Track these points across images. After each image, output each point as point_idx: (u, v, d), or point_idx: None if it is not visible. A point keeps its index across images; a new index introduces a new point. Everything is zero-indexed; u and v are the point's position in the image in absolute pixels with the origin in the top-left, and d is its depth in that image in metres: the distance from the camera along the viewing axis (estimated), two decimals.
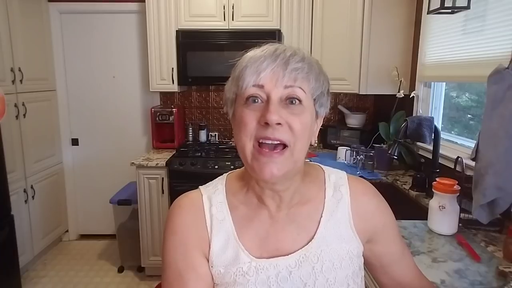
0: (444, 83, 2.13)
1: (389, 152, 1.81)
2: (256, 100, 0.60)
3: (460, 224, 1.36)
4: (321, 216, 0.69)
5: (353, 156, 2.40)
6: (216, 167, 2.51)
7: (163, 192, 2.57)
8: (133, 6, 3.04)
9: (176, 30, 2.69)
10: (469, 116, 1.95)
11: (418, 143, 2.15)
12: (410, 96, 2.27)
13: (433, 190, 1.36)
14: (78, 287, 2.65)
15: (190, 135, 3.10)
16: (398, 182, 2.04)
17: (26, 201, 2.75)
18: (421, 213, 1.57)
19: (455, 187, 1.32)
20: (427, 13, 1.82)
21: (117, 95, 3.22)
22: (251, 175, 0.67)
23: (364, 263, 0.74)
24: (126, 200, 2.71)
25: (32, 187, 2.81)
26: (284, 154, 0.60)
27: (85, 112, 3.25)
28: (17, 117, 2.64)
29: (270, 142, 0.59)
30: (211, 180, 0.76)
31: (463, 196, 1.37)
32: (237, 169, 0.76)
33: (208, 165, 2.52)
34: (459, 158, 1.45)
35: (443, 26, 1.99)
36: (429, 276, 1.01)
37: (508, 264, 1.13)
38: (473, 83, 1.87)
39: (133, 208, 2.71)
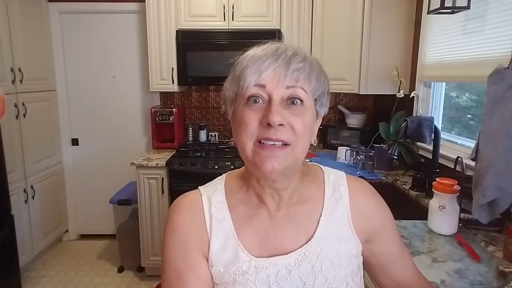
0: (444, 83, 2.13)
1: (389, 152, 1.81)
2: (258, 100, 0.60)
3: (460, 224, 1.36)
4: (320, 215, 0.69)
5: (353, 156, 2.40)
6: (216, 167, 2.51)
7: (163, 192, 2.57)
8: (133, 6, 3.04)
9: (176, 30, 2.69)
10: (469, 116, 1.95)
11: (418, 143, 2.15)
12: (410, 96, 2.27)
13: (433, 190, 1.36)
14: (78, 287, 2.65)
15: (190, 135, 3.10)
16: (398, 182, 2.04)
17: (26, 201, 2.75)
18: (421, 213, 1.57)
19: (455, 187, 1.32)
20: (427, 13, 1.82)
21: (117, 95, 3.22)
22: (251, 173, 0.67)
23: (363, 263, 0.74)
24: (126, 200, 2.71)
25: (32, 187, 2.81)
26: (285, 150, 0.60)
27: (85, 112, 3.25)
28: (17, 117, 2.64)
29: (272, 143, 0.59)
30: (211, 180, 0.76)
31: (463, 196, 1.37)
32: (237, 169, 0.76)
33: (208, 165, 2.52)
34: (459, 158, 1.45)
35: (443, 26, 1.99)
36: (429, 276, 1.01)
37: (508, 264, 1.13)
38: (473, 83, 1.87)
39: (133, 208, 2.71)
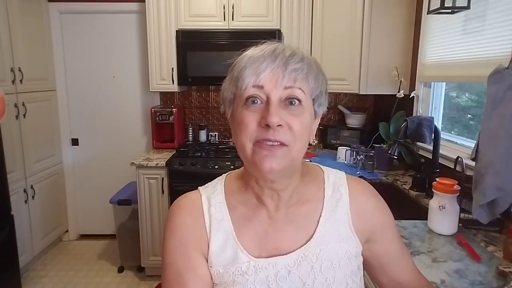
0: (444, 83, 2.13)
1: (389, 152, 1.81)
2: (256, 101, 0.60)
3: (460, 224, 1.36)
4: (320, 216, 0.69)
5: (353, 156, 2.40)
6: (216, 167, 2.51)
7: (163, 192, 2.57)
8: (133, 6, 3.04)
9: (176, 30, 2.69)
10: (469, 116, 1.95)
11: (418, 143, 2.15)
12: (410, 96, 2.27)
13: (433, 190, 1.36)
14: (78, 287, 2.65)
15: (190, 135, 3.10)
16: (398, 182, 2.04)
17: (26, 201, 2.75)
18: (421, 213, 1.57)
19: (455, 187, 1.32)
20: (427, 13, 1.82)
21: (117, 95, 3.22)
22: (250, 174, 0.67)
23: (363, 263, 0.74)
24: (126, 200, 2.71)
25: (32, 187, 2.81)
26: (282, 149, 0.60)
27: (85, 112, 3.26)
28: (17, 117, 2.64)
29: (270, 143, 0.59)
30: (211, 180, 0.76)
31: (463, 196, 1.37)
32: (236, 170, 0.76)
33: (208, 165, 2.52)
34: (459, 158, 1.45)
35: (443, 26, 1.99)
36: (429, 276, 1.01)
37: (508, 264, 1.13)
38: (473, 83, 1.87)
39: (133, 208, 2.71)
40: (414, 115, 2.29)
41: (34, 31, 2.86)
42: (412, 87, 2.33)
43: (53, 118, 3.14)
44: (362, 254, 0.72)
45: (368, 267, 0.77)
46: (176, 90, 2.82)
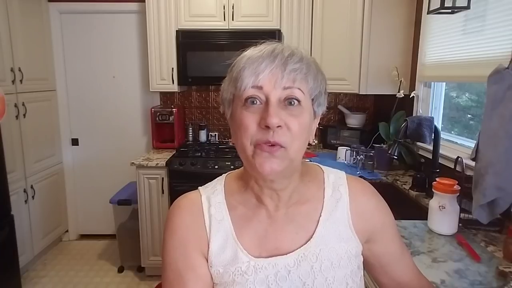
0: (444, 83, 2.13)
1: (389, 152, 1.81)
2: (255, 102, 0.60)
3: (460, 224, 1.36)
4: (320, 216, 0.69)
5: (353, 156, 2.40)
6: (216, 167, 2.51)
7: (163, 192, 2.57)
8: (133, 6, 3.04)
9: (176, 30, 2.69)
10: (469, 116, 1.95)
11: (418, 143, 2.15)
12: (410, 96, 2.27)
13: (433, 190, 1.36)
14: (78, 287, 2.65)
15: (190, 135, 3.10)
16: (398, 182, 2.04)
17: (26, 201, 2.75)
18: (421, 213, 1.57)
19: (455, 187, 1.32)
20: (427, 13, 1.82)
21: (117, 95, 3.22)
22: (250, 174, 0.67)
23: (363, 263, 0.74)
24: (126, 200, 2.71)
25: (32, 187, 2.81)
26: (281, 150, 0.60)
27: (85, 112, 3.26)
28: (17, 117, 2.64)
29: (270, 145, 0.59)
30: (211, 180, 0.76)
31: (463, 196, 1.37)
32: (236, 170, 0.76)
33: (208, 165, 2.52)
34: (459, 158, 1.45)
35: (443, 26, 1.99)
36: (429, 276, 1.01)
37: (508, 264, 1.13)
38: (473, 83, 1.87)
39: (133, 208, 2.71)
40: (414, 115, 2.29)
41: (34, 31, 2.86)
42: (412, 87, 2.33)
43: (53, 118, 3.14)
44: (362, 254, 0.72)
45: (368, 267, 0.76)
46: (176, 90, 2.82)
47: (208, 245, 0.67)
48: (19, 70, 2.66)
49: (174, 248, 0.68)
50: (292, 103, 0.60)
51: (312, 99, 0.64)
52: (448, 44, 1.94)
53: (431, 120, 1.77)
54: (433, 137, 1.76)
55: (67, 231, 3.37)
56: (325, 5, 2.61)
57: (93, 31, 3.13)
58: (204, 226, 0.68)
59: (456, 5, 1.63)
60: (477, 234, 1.36)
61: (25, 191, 2.73)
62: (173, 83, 2.77)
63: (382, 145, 2.34)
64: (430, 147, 1.87)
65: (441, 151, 1.81)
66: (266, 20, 2.68)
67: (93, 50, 3.16)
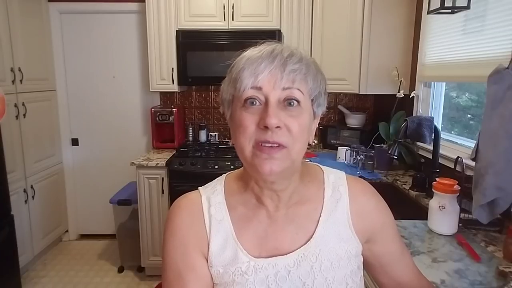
0: (444, 83, 2.13)
1: (389, 152, 1.81)
2: (254, 103, 0.60)
3: (460, 224, 1.36)
4: (320, 216, 0.69)
5: (353, 156, 2.40)
6: (216, 167, 2.51)
7: (163, 192, 2.57)
8: (133, 6, 3.04)
9: (176, 30, 2.69)
10: (469, 116, 1.95)
11: (418, 143, 2.15)
12: (410, 96, 2.27)
13: (433, 190, 1.36)
14: (78, 287, 2.65)
15: (190, 135, 3.10)
16: (398, 182, 2.04)
17: (26, 201, 2.75)
18: (421, 213, 1.57)
19: (455, 187, 1.32)
20: (427, 13, 1.82)
21: (117, 95, 3.22)
22: (250, 175, 0.67)
23: (363, 263, 0.74)
24: (126, 200, 2.71)
25: (32, 187, 2.81)
26: (282, 151, 0.60)
27: (85, 112, 3.26)
28: (17, 117, 2.64)
29: (269, 144, 0.59)
30: (211, 180, 0.76)
31: (463, 196, 1.37)
32: (236, 170, 0.76)
33: (208, 165, 2.52)
34: (459, 158, 1.45)
35: (443, 26, 1.99)
36: (429, 276, 1.01)
37: (508, 264, 1.13)
38: (473, 83, 1.87)
39: (133, 208, 2.71)
40: (414, 115, 2.29)
41: (34, 31, 2.86)
42: (412, 87, 2.33)
43: (53, 118, 3.14)
44: (362, 254, 0.72)
45: (368, 267, 0.76)
46: (176, 90, 2.82)
47: (208, 245, 0.67)
48: (19, 70, 2.66)
49: (174, 248, 0.68)
50: (292, 103, 0.60)
51: (312, 100, 0.64)
52: (448, 44, 1.93)
53: (431, 120, 1.77)
54: (433, 137, 1.76)
55: (67, 231, 3.37)
56: (325, 5, 2.61)
57: (93, 31, 3.13)
58: (204, 226, 0.68)
59: (456, 5, 1.63)
60: (477, 234, 1.36)
61: (25, 191, 2.73)
62: (173, 83, 2.77)
63: (382, 145, 2.34)
64: (430, 147, 1.87)
65: (441, 151, 1.81)
66: (266, 20, 2.68)
67: (93, 50, 3.16)
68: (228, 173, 0.76)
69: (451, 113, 2.11)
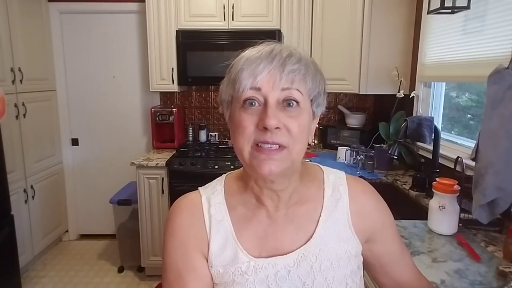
0: (444, 83, 2.13)
1: (389, 152, 1.81)
2: (254, 103, 0.60)
3: (460, 224, 1.36)
4: (320, 216, 0.69)
5: (353, 156, 2.40)
6: (216, 167, 2.51)
7: (163, 192, 2.57)
8: (133, 6, 3.04)
9: (176, 30, 2.69)
10: (469, 116, 1.95)
11: (418, 143, 2.15)
12: (410, 96, 2.27)
13: (433, 190, 1.36)
14: (78, 287, 2.65)
15: (190, 135, 3.10)
16: (398, 182, 2.04)
17: (26, 201, 2.75)
18: (421, 213, 1.57)
19: (455, 187, 1.32)
20: (427, 13, 1.82)
21: (117, 95, 3.22)
22: (250, 175, 0.67)
23: (363, 263, 0.74)
24: (126, 200, 2.71)
25: (32, 187, 2.81)
26: (282, 152, 0.60)
27: (85, 112, 3.26)
28: (17, 117, 2.64)
29: (269, 146, 0.59)
30: (211, 180, 0.76)
31: (463, 196, 1.37)
32: (236, 170, 0.76)
33: (208, 165, 2.52)
34: (459, 158, 1.45)
35: (443, 26, 1.99)
36: (429, 276, 1.01)
37: (508, 264, 1.13)
38: (473, 83, 1.87)
39: (133, 208, 2.71)
40: (414, 115, 2.29)
41: (34, 31, 2.86)
42: (412, 87, 2.33)
43: (53, 118, 3.14)
44: (362, 254, 0.72)
45: (368, 267, 0.77)
46: (176, 90, 2.82)
47: (208, 245, 0.67)
48: (19, 70, 2.66)
49: (175, 249, 0.68)
50: (291, 104, 0.60)
51: (311, 100, 0.64)
52: (448, 44, 1.93)
53: (431, 120, 1.77)
54: (433, 137, 1.76)
55: (67, 231, 3.37)
56: (325, 5, 2.61)
57: (93, 31, 3.13)
58: (204, 226, 0.68)
59: (456, 5, 1.63)
60: (477, 234, 1.36)
61: (25, 191, 2.73)
62: (173, 83, 2.77)
63: (382, 145, 2.34)
64: (430, 147, 1.87)
65: (441, 151, 1.81)
66: (266, 20, 2.68)
67: (93, 50, 3.16)
68: (228, 173, 0.76)
69: (451, 113, 2.11)
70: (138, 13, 3.06)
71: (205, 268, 0.67)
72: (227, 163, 2.53)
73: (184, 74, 2.71)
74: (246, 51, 0.63)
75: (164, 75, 2.77)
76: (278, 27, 2.69)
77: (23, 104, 2.70)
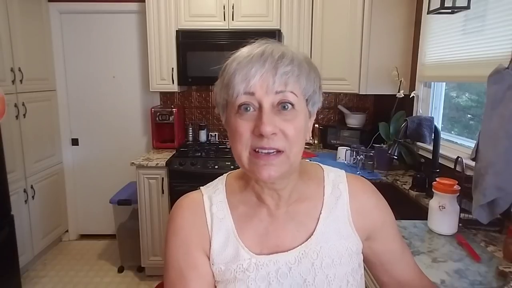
0: (444, 83, 2.13)
1: (389, 152, 1.81)
2: (248, 108, 0.60)
3: (460, 224, 1.36)
4: (320, 213, 0.70)
5: (353, 156, 2.40)
6: (216, 167, 2.51)
7: (163, 192, 2.57)
8: (133, 6, 3.04)
9: (176, 30, 2.69)
10: (469, 116, 1.95)
11: (418, 143, 2.15)
12: (410, 96, 2.27)
13: (433, 190, 1.36)
14: (78, 287, 2.65)
15: (190, 135, 3.10)
16: (398, 182, 2.04)
17: (26, 201, 2.75)
18: (421, 213, 1.57)
19: (455, 187, 1.32)
20: (427, 13, 1.82)
21: (117, 95, 3.22)
22: (250, 175, 0.67)
23: (364, 261, 0.74)
24: (126, 200, 2.71)
25: (32, 187, 2.81)
26: (280, 157, 0.60)
27: (85, 112, 3.26)
28: (17, 117, 2.64)
29: (266, 151, 0.59)
30: (211, 180, 0.76)
31: (463, 196, 1.37)
32: (237, 169, 0.76)
33: (208, 165, 2.52)
34: (459, 158, 1.45)
35: (443, 26, 1.99)
36: (429, 276, 1.00)
37: (508, 264, 1.14)
38: (473, 83, 1.87)
39: (133, 208, 2.71)
40: (414, 115, 2.29)
41: (34, 31, 2.86)
42: (412, 87, 2.33)
43: (53, 118, 3.14)
44: (362, 252, 0.73)
45: (369, 265, 0.77)
46: (176, 90, 2.82)
47: (210, 243, 0.68)
48: (19, 70, 2.66)
49: (177, 247, 0.68)
50: (286, 107, 0.60)
51: (306, 100, 0.63)
52: (448, 44, 1.94)
53: (431, 120, 1.77)
54: (433, 137, 1.77)
55: (67, 231, 3.37)
56: (325, 5, 2.61)
57: (93, 31, 3.13)
58: (206, 224, 0.69)
59: (456, 5, 1.63)
60: (477, 234, 1.36)
61: (25, 191, 2.73)
62: (173, 83, 2.77)
63: (382, 145, 2.34)
64: (430, 147, 1.87)
65: (441, 151, 1.81)
66: (266, 20, 2.68)
67: (93, 50, 3.16)
68: (229, 172, 0.77)
69: (451, 113, 2.11)
70: (138, 13, 3.06)
71: (207, 266, 0.68)
72: (227, 163, 2.53)
73: (184, 74, 2.71)
74: (238, 52, 0.63)
75: (164, 75, 2.77)
76: (278, 27, 2.69)
77: (23, 104, 2.70)
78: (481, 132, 1.28)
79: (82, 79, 3.21)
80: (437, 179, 1.36)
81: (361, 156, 2.28)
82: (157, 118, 2.84)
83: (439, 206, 1.33)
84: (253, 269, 0.65)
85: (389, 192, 1.98)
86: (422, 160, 2.12)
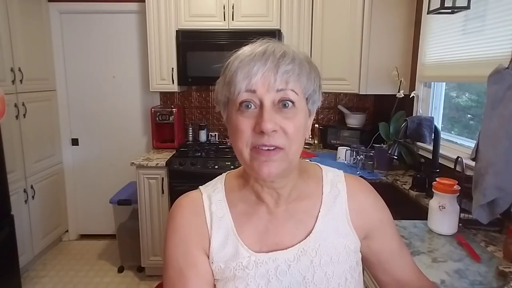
0: (444, 83, 2.13)
1: (389, 152, 1.81)
2: (249, 106, 0.61)
3: (460, 224, 1.36)
4: (319, 211, 0.71)
5: (353, 156, 2.40)
6: (216, 167, 2.51)
7: (163, 192, 2.57)
8: (133, 6, 3.04)
9: (176, 30, 2.69)
10: (469, 116, 1.95)
11: (418, 143, 2.15)
12: (410, 96, 2.27)
13: (433, 190, 1.36)
14: (78, 287, 2.65)
15: (190, 135, 3.10)
16: (398, 182, 2.04)
17: (26, 201, 2.75)
18: (421, 213, 1.57)
19: (455, 187, 1.32)
20: (427, 13, 1.82)
21: (117, 95, 3.22)
22: (249, 173, 0.68)
23: (363, 260, 0.75)
24: (126, 200, 2.71)
25: (32, 187, 2.81)
26: (279, 153, 0.61)
27: (85, 112, 3.26)
28: (17, 117, 2.64)
29: (266, 148, 0.60)
30: (211, 180, 0.77)
31: (463, 196, 1.37)
32: (236, 168, 0.77)
33: (208, 165, 2.52)
34: (459, 158, 1.45)
35: (443, 26, 1.99)
36: (429, 276, 1.01)
37: (508, 264, 1.14)
38: (473, 83, 1.87)
39: (133, 208, 2.71)
40: (414, 115, 2.29)
41: (34, 31, 2.86)
42: (412, 87, 2.33)
43: (53, 118, 3.14)
44: (361, 251, 0.73)
45: (367, 264, 0.77)
46: (176, 90, 2.82)
47: (210, 241, 0.68)
48: (19, 70, 2.66)
49: (176, 246, 0.69)
50: (286, 105, 0.61)
51: (307, 98, 0.64)
52: (448, 44, 1.94)
53: (431, 120, 1.77)
54: (433, 137, 1.77)
55: (67, 231, 3.37)
56: (325, 5, 2.61)
57: (93, 31, 3.13)
58: (205, 223, 0.69)
59: (456, 5, 1.63)
60: (477, 234, 1.36)
61: (25, 191, 2.73)
62: (173, 83, 2.77)
63: (382, 145, 2.34)
64: (430, 147, 1.87)
65: (441, 151, 1.81)
66: (266, 20, 2.68)
67: (93, 50, 3.16)
68: (228, 171, 0.77)
69: (451, 113, 2.11)
70: (138, 13, 3.06)
71: (206, 265, 0.68)
72: (227, 163, 2.53)
73: (184, 74, 2.71)
74: (240, 51, 0.64)
75: (164, 75, 2.77)
76: (278, 27, 2.69)
77: (23, 104, 2.70)
78: (481, 132, 1.28)
79: (82, 79, 3.21)
80: (437, 179, 1.36)
81: (361, 156, 2.28)
82: (157, 118, 2.84)
83: (439, 206, 1.33)
84: (252, 266, 0.66)
85: (389, 192, 1.99)
86: (422, 160, 2.12)
